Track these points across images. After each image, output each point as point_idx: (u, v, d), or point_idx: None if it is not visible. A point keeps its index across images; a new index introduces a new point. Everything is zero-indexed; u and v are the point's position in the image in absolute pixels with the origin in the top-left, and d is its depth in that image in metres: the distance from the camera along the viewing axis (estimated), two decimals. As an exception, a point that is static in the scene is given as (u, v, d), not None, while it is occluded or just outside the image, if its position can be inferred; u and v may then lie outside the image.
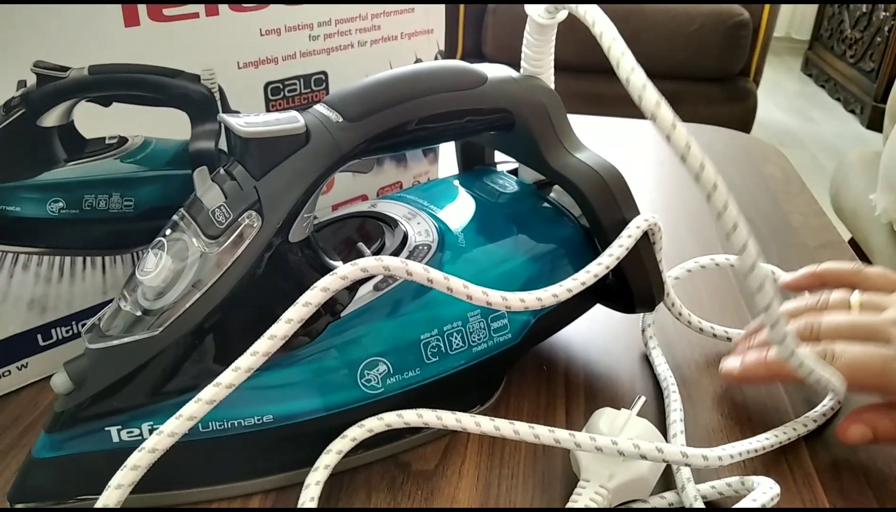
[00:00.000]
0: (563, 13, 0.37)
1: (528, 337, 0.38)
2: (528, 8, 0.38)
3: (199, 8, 0.40)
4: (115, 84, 0.38)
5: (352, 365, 0.34)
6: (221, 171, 0.33)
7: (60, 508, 0.32)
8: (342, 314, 0.34)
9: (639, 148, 0.79)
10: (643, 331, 0.45)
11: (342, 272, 0.31)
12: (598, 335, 0.45)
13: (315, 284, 0.30)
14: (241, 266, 0.32)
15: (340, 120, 0.33)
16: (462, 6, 2.17)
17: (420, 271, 0.31)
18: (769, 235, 0.58)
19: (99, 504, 0.28)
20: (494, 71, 0.38)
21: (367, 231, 0.39)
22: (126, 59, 0.38)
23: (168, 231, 0.33)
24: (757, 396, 0.40)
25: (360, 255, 0.36)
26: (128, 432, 0.32)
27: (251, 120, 0.32)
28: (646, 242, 0.38)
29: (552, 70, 0.41)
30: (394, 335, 0.34)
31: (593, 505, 0.31)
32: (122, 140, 0.40)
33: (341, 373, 0.34)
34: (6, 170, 0.36)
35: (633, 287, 0.39)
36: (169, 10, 0.39)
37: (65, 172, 0.38)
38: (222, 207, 0.32)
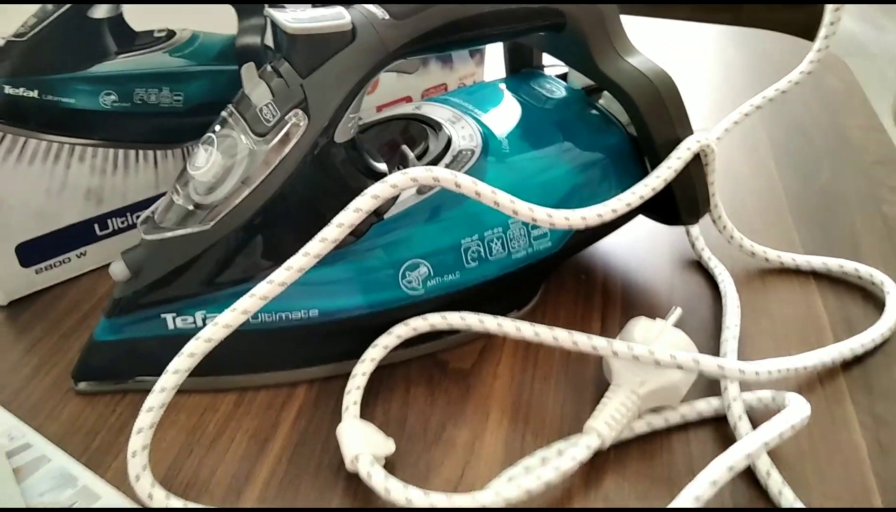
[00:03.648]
0: None
1: (569, 246, 0.39)
2: None
3: None
4: (162, -25, 0.38)
5: (394, 266, 0.34)
6: (268, 67, 0.33)
7: (120, 388, 0.35)
8: (385, 216, 0.35)
9: (697, 54, 0.76)
10: (693, 244, 0.44)
11: (392, 180, 0.31)
12: (638, 247, 0.45)
13: (366, 191, 0.31)
14: (288, 164, 0.32)
15: (387, 17, 0.33)
16: None
17: (468, 184, 0.31)
18: (823, 149, 0.57)
19: (157, 386, 0.29)
20: (548, -31, 0.36)
21: (412, 133, 0.39)
22: (173, -50, 0.38)
23: (217, 127, 0.33)
24: (796, 311, 0.40)
25: (405, 158, 0.36)
26: (182, 320, 0.34)
27: (298, 16, 0.32)
28: (696, 158, 0.38)
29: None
30: (435, 239, 0.35)
31: (623, 409, 0.32)
32: (171, 33, 0.40)
33: (383, 273, 0.34)
34: (60, 61, 0.37)
35: (679, 198, 0.39)
36: None
37: (116, 65, 0.39)
38: (269, 105, 0.32)
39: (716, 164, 0.39)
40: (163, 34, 0.40)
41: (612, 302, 0.41)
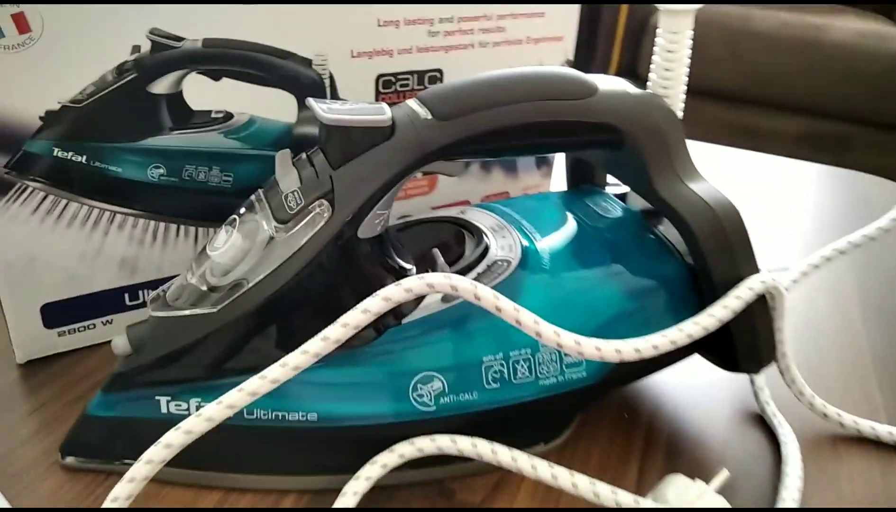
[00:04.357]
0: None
1: (608, 379, 0.35)
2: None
3: (320, -8, 0.40)
4: (226, 59, 0.39)
5: (405, 376, 0.32)
6: (304, 156, 0.32)
7: (105, 469, 0.33)
8: (404, 320, 0.32)
9: (793, 191, 0.72)
10: (756, 395, 0.39)
11: (407, 284, 0.29)
12: (693, 389, 0.41)
13: (377, 292, 0.29)
14: (305, 255, 0.30)
15: (429, 117, 0.31)
16: (621, 23, 2.11)
17: (489, 298, 0.29)
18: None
19: (127, 475, 0.27)
20: (608, 83, 0.35)
21: (450, 238, 0.37)
22: (239, 36, 0.38)
23: (243, 210, 0.32)
24: (870, 492, 0.34)
25: (434, 262, 0.34)
26: (176, 405, 0.32)
27: (337, 107, 0.31)
28: (761, 300, 0.34)
29: (683, 86, 0.37)
30: (454, 352, 0.32)
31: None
32: (228, 116, 0.40)
33: (393, 383, 0.32)
34: (112, 131, 0.37)
35: (738, 343, 0.34)
36: (288, -9, 0.39)
37: (169, 140, 0.39)
38: (295, 193, 0.31)
39: (785, 310, 0.35)
40: (220, 115, 0.40)
41: (654, 449, 0.36)
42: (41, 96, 0.34)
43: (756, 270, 0.34)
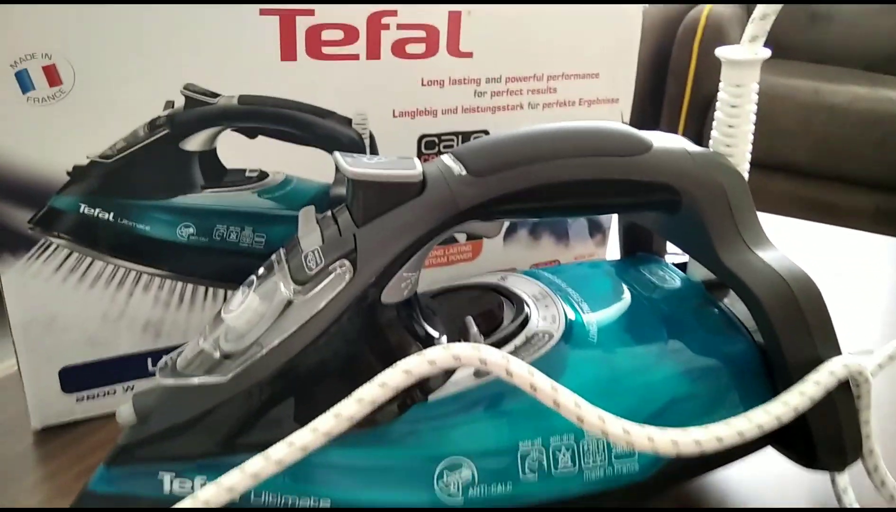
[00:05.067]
0: (765, 51, 0.31)
1: (664, 475, 0.30)
2: (721, 50, 0.32)
3: (360, 49, 0.38)
4: (262, 117, 0.37)
5: (430, 461, 0.28)
6: (329, 213, 0.30)
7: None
8: (430, 397, 0.29)
9: (872, 267, 0.66)
10: (839, 497, 0.34)
11: (430, 356, 0.26)
12: (766, 488, 0.36)
13: (397, 364, 0.26)
14: (323, 320, 0.28)
15: (464, 173, 0.29)
16: (687, 95, 2.08)
17: (523, 374, 0.25)
18: None
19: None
20: (664, 140, 0.31)
21: (488, 306, 0.34)
22: (278, 93, 0.37)
23: (262, 270, 0.30)
24: None
25: (467, 332, 0.30)
26: (180, 483, 0.29)
27: (364, 160, 0.29)
28: (843, 387, 0.29)
29: (749, 145, 0.34)
30: (486, 436, 0.28)
31: None
32: (263, 174, 0.39)
33: (416, 468, 0.28)
34: (142, 188, 0.36)
35: (817, 436, 0.30)
36: (328, 49, 0.38)
37: (200, 199, 0.37)
38: (316, 252, 0.29)
39: (872, 399, 0.30)
40: (255, 174, 0.39)
41: (720, 558, 0.32)
42: (69, 151, 0.33)
43: (837, 352, 0.29)
